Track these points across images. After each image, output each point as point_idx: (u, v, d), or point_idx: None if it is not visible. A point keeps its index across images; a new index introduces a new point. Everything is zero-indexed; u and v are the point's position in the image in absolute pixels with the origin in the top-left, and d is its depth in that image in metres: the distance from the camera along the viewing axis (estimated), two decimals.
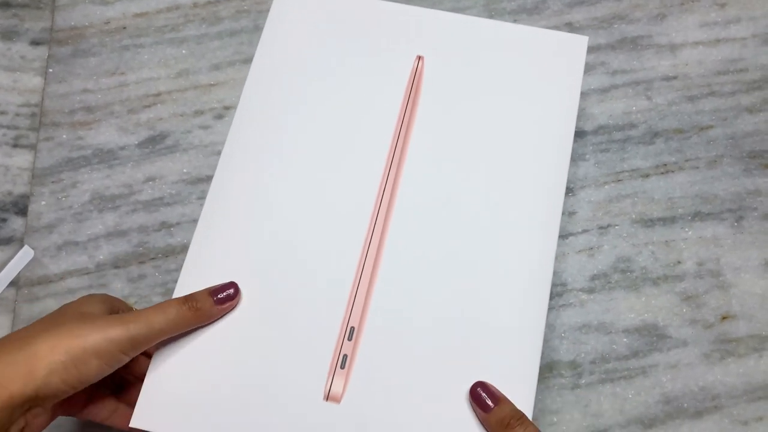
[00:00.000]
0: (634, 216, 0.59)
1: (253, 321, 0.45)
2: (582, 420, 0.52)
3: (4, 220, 0.59)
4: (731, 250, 0.57)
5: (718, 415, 0.52)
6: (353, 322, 0.44)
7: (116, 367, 0.41)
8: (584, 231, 0.58)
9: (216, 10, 0.68)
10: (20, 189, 0.60)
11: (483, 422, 0.42)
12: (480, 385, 0.43)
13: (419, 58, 0.53)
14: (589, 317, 0.55)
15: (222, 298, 0.45)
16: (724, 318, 0.55)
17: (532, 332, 0.44)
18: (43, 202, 0.59)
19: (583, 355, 0.54)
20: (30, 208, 0.59)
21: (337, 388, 0.42)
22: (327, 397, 0.42)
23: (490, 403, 0.42)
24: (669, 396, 0.52)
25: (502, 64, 0.52)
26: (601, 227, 0.59)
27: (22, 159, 0.61)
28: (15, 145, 0.62)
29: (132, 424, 0.42)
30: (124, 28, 0.67)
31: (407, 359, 0.44)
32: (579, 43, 0.53)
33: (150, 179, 0.60)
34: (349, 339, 0.44)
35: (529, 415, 0.42)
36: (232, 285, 0.45)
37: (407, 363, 0.43)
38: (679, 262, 0.57)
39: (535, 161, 0.49)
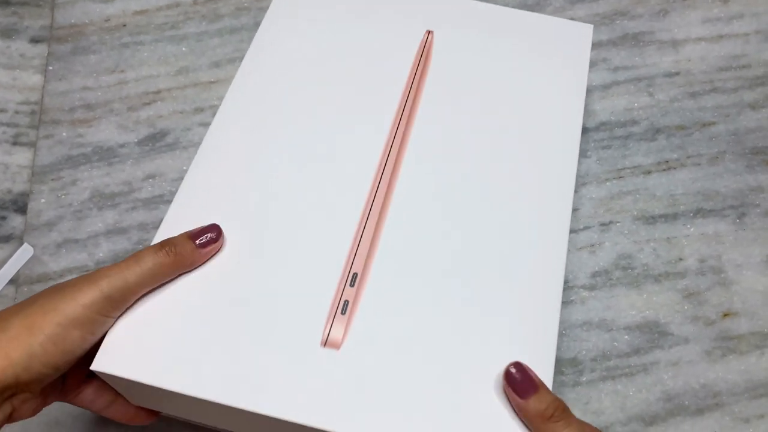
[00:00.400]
0: (635, 213, 0.59)
1: (247, 264, 0.42)
2: (582, 417, 0.52)
3: (4, 218, 0.59)
4: (733, 247, 0.57)
5: (719, 413, 0.51)
6: (356, 269, 0.42)
7: (101, 333, 0.38)
8: (585, 228, 0.58)
9: (216, 8, 0.68)
10: (20, 187, 0.60)
11: (518, 409, 0.37)
12: (516, 366, 0.38)
13: (429, 32, 0.53)
14: (590, 314, 0.55)
15: (204, 242, 0.41)
16: (725, 315, 0.55)
17: (550, 287, 0.42)
18: (43, 200, 0.59)
19: (584, 352, 0.54)
20: (29, 206, 0.59)
21: (336, 334, 0.39)
22: (325, 343, 0.39)
23: (528, 389, 0.37)
24: (670, 393, 0.52)
25: (510, 47, 0.53)
26: (602, 224, 0.58)
27: (21, 157, 0.61)
28: (15, 143, 0.62)
29: (95, 367, 0.38)
30: (124, 25, 0.67)
31: (413, 310, 0.41)
32: (584, 30, 0.54)
33: (150, 177, 0.60)
34: (352, 285, 0.41)
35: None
36: (214, 227, 0.42)
37: (413, 314, 0.41)
38: (680, 259, 0.57)
39: (544, 135, 0.49)
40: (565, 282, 0.56)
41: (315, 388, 0.38)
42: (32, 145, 0.62)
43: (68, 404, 0.51)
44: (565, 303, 0.55)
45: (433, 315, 0.41)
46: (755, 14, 0.67)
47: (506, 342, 0.40)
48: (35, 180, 0.60)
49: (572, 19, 0.66)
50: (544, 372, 0.39)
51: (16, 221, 0.58)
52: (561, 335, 0.54)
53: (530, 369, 0.38)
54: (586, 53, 0.53)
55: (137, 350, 0.38)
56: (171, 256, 0.39)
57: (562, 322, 0.55)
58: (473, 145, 0.48)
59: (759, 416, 0.51)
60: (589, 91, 0.64)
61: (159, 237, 0.43)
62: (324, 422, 0.36)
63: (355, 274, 0.42)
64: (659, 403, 0.52)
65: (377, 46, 0.53)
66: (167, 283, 0.41)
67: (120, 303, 0.38)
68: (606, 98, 0.64)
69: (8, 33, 0.66)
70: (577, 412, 0.51)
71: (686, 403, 0.52)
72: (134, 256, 0.39)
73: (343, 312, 0.40)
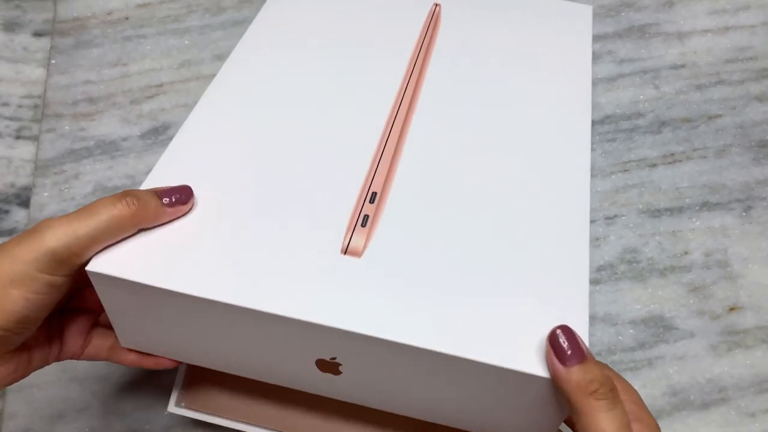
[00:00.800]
0: (641, 206, 0.58)
1: (264, 183, 0.41)
2: None
3: (7, 211, 0.59)
4: (739, 241, 0.57)
5: (725, 407, 0.51)
6: (375, 188, 0.41)
7: (51, 294, 0.34)
8: (591, 221, 0.58)
9: (218, 0, 0.68)
10: (23, 180, 0.60)
11: (557, 377, 0.32)
12: (564, 330, 0.33)
13: (436, 5, 0.54)
14: (595, 308, 0.54)
15: (171, 202, 0.37)
16: (731, 309, 0.54)
17: (575, 217, 0.41)
18: (46, 194, 0.59)
19: (588, 346, 0.53)
20: (32, 200, 0.59)
21: (357, 243, 0.38)
22: (346, 251, 0.38)
23: (572, 356, 0.32)
24: (675, 388, 0.52)
25: (515, 24, 0.53)
26: (607, 217, 0.58)
27: (24, 150, 0.61)
28: (18, 137, 0.62)
29: (90, 268, 0.35)
30: (127, 18, 0.67)
31: (432, 229, 0.40)
32: (584, 11, 0.55)
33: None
34: (371, 202, 0.41)
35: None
36: (185, 189, 0.38)
37: (432, 232, 0.39)
38: (686, 253, 0.56)
39: (555, 102, 0.48)
40: None
41: (336, 291, 0.36)
42: (35, 138, 0.61)
43: (71, 400, 0.51)
44: None
45: (454, 234, 0.40)
46: (762, 6, 0.66)
47: (527, 265, 0.38)
48: (38, 174, 0.60)
49: None
50: (577, 295, 0.37)
51: (19, 215, 0.58)
52: None
53: (579, 336, 0.33)
54: (587, 30, 0.53)
55: (144, 255, 0.36)
56: (131, 208, 0.35)
57: None
58: (483, 107, 0.47)
59: (765, 411, 0.51)
60: (594, 83, 0.63)
61: (150, 182, 0.40)
62: (345, 323, 0.35)
63: (375, 193, 0.41)
64: (664, 397, 0.52)
65: (385, 16, 0.53)
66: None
67: (68, 260, 0.34)
68: (611, 91, 0.63)
69: (11, 27, 0.66)
70: None
71: (692, 397, 0.52)
72: (88, 206, 0.34)
73: (363, 225, 0.39)
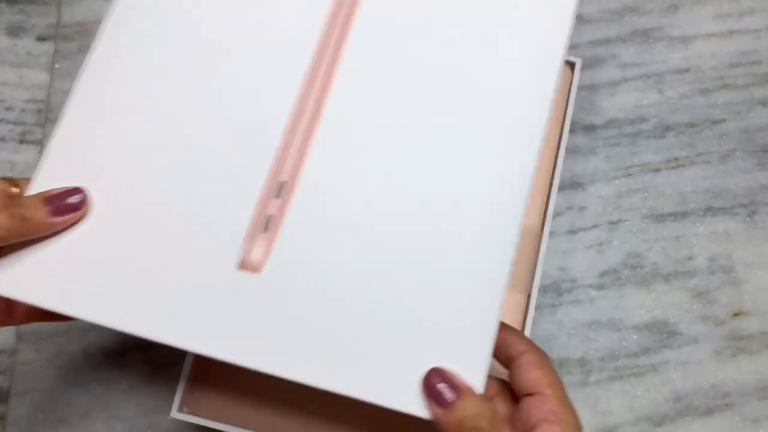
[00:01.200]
0: (644, 211, 0.58)
1: (151, 180, 0.35)
2: (591, 418, 0.51)
3: None
4: (743, 246, 0.57)
5: (729, 413, 0.51)
6: (284, 176, 0.35)
7: None
8: (594, 226, 0.58)
9: None
10: None
11: (436, 420, 0.32)
12: (435, 373, 0.32)
13: None
14: (598, 314, 0.54)
15: (61, 207, 0.33)
16: (735, 314, 0.54)
17: (505, 239, 0.34)
18: None
19: (592, 352, 0.53)
20: None
21: (256, 255, 0.34)
22: (242, 266, 0.33)
23: (448, 396, 0.31)
24: (679, 393, 0.52)
25: None
26: (611, 222, 0.58)
27: (28, 155, 0.61)
28: (21, 141, 0.62)
29: None
30: None
31: (348, 227, 0.34)
32: None
33: None
34: (277, 196, 0.35)
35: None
36: (77, 191, 0.34)
37: (347, 231, 0.34)
38: (690, 258, 0.56)
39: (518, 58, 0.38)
40: (573, 281, 0.55)
41: (226, 317, 0.33)
42: (39, 143, 0.62)
43: (74, 405, 0.51)
44: (573, 302, 0.55)
45: (367, 243, 0.34)
46: (767, 10, 0.66)
47: (438, 287, 0.34)
48: None
49: (581, 15, 0.66)
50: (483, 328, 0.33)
51: None
52: (569, 335, 0.54)
53: (452, 373, 0.32)
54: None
55: (39, 272, 0.34)
56: (15, 221, 0.32)
57: (570, 321, 0.54)
58: (419, 75, 0.38)
59: None
60: (598, 88, 0.63)
61: (36, 185, 0.35)
62: (229, 355, 0.32)
63: (283, 183, 0.35)
64: (668, 403, 0.52)
65: None
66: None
67: None
68: (615, 95, 0.63)
69: (15, 31, 0.66)
70: (585, 413, 0.51)
71: (696, 403, 0.51)
72: None
73: (266, 229, 0.34)
